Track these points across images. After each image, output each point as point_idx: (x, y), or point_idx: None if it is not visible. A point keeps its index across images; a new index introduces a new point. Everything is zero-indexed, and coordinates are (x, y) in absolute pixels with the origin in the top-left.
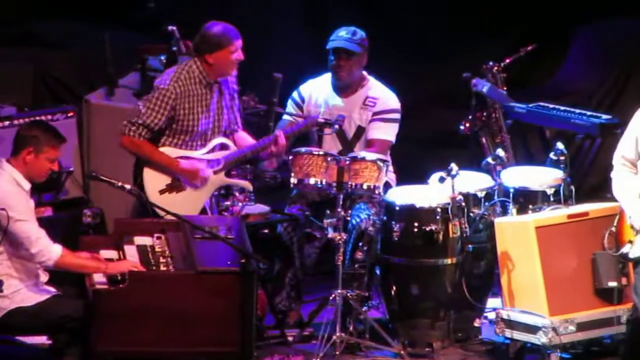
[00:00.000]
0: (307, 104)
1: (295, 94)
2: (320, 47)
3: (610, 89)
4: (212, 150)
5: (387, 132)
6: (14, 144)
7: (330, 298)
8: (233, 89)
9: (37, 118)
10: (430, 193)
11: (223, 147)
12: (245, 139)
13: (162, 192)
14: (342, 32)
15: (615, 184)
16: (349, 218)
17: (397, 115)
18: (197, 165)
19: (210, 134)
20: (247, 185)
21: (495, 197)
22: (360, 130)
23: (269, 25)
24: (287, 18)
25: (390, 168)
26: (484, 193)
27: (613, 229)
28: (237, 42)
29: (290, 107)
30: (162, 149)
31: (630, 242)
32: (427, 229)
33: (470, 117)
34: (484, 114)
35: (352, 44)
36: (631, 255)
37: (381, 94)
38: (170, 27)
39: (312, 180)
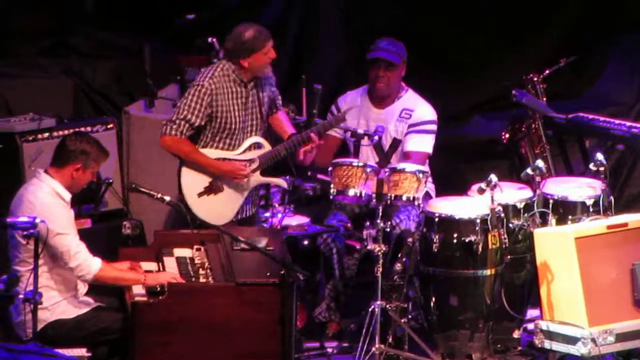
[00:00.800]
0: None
1: (333, 106)
2: (360, 59)
3: None
4: (248, 149)
5: (424, 144)
6: (58, 155)
7: (369, 309)
8: (270, 78)
9: (78, 129)
10: (470, 204)
11: (257, 146)
12: (283, 121)
13: (200, 194)
14: (382, 43)
15: None
16: (388, 229)
17: (434, 127)
18: (237, 165)
19: (249, 131)
20: (282, 183)
21: (535, 208)
22: (396, 142)
23: (310, 37)
24: (328, 29)
25: (430, 179)
26: (523, 204)
27: None
28: (269, 43)
29: (329, 118)
30: (201, 150)
31: None
32: (467, 239)
33: (510, 127)
34: (524, 124)
35: (391, 54)
36: None
37: (417, 105)
38: (210, 39)
39: (351, 192)
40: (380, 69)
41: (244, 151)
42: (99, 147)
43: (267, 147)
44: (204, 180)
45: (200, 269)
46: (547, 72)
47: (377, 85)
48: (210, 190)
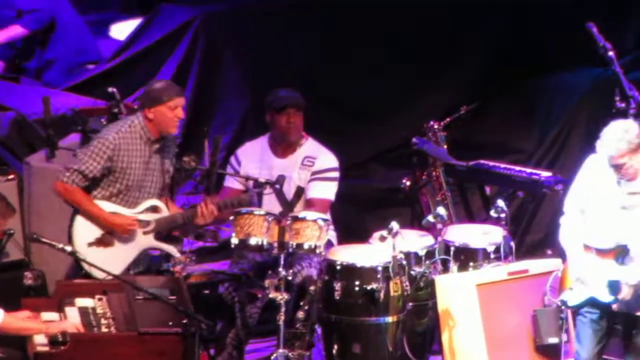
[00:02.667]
0: (244, 166)
1: (232, 157)
2: (260, 109)
3: (550, 146)
4: (146, 210)
5: (327, 191)
6: None
7: (272, 358)
8: (175, 155)
9: None
10: (372, 252)
11: (155, 209)
12: (172, 205)
13: (90, 244)
14: (283, 92)
15: (563, 230)
16: (290, 278)
17: (336, 174)
18: (126, 219)
19: (144, 192)
20: (174, 251)
21: (436, 255)
22: (300, 190)
23: (211, 87)
24: (229, 79)
25: (332, 227)
26: (425, 251)
27: (559, 273)
28: (177, 99)
29: (229, 169)
30: (95, 202)
31: (571, 289)
32: (369, 287)
33: (411, 175)
34: (425, 172)
35: (299, 100)
36: (570, 303)
37: (319, 153)
38: (110, 89)
39: (253, 240)
40: (290, 116)
41: (143, 211)
42: (6, 204)
43: (164, 211)
44: (96, 232)
45: (103, 319)
46: (448, 119)
47: (289, 132)
48: (101, 242)
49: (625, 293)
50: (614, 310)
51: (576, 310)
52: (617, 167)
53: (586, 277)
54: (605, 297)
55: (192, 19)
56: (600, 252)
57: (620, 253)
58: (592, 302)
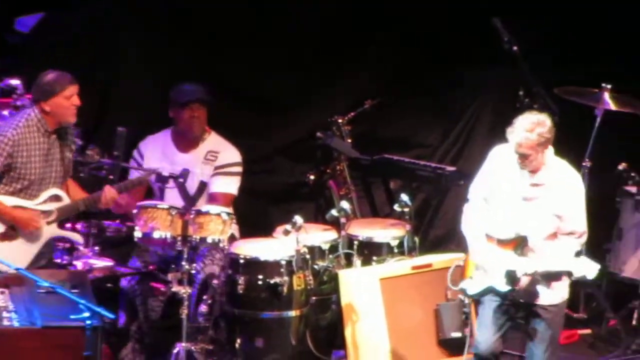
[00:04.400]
0: (147, 160)
1: (135, 151)
2: (164, 103)
3: (455, 141)
4: (47, 201)
5: (230, 185)
6: None
7: (174, 352)
8: (75, 143)
9: None
10: (275, 246)
11: (56, 198)
12: (74, 187)
13: None
14: (187, 86)
15: (465, 218)
16: (193, 272)
17: (239, 169)
18: (30, 215)
19: (46, 183)
20: (78, 237)
21: (340, 249)
22: (203, 185)
23: (116, 81)
24: (133, 72)
25: (234, 220)
26: (328, 245)
27: (461, 263)
28: (71, 87)
29: (132, 163)
30: None
31: (471, 278)
32: (272, 281)
33: (315, 169)
34: (329, 166)
35: (203, 94)
36: (469, 292)
37: (222, 147)
38: (13, 81)
39: (156, 234)
40: (193, 110)
41: (43, 202)
42: None
43: (65, 200)
44: None
45: (4, 312)
46: (352, 114)
47: (192, 127)
48: (4, 236)
49: (523, 283)
50: (514, 300)
51: (477, 299)
52: (522, 157)
53: (485, 265)
54: (503, 286)
55: (94, 9)
56: (501, 242)
57: (520, 244)
58: (491, 291)
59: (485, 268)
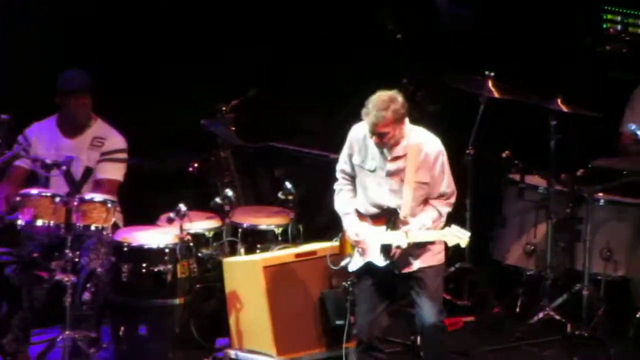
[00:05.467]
0: (33, 147)
1: (21, 137)
2: (53, 88)
3: (338, 128)
4: None
5: (115, 172)
6: None
7: (58, 340)
8: None
9: None
10: (159, 234)
11: None
12: None
13: None
14: (69, 74)
15: (335, 197)
16: (77, 259)
17: (125, 155)
18: None
19: None
20: None
21: (224, 237)
22: (89, 171)
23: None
24: (21, 58)
25: (118, 208)
26: (212, 233)
27: (336, 241)
28: None
29: (16, 148)
30: None
31: (350, 255)
32: (156, 269)
33: (199, 157)
34: (213, 154)
35: (80, 82)
36: (350, 269)
37: (108, 134)
38: None
39: (39, 222)
40: (78, 98)
41: None
42: None
43: None
44: None
45: None
46: (236, 101)
47: (77, 114)
48: None
49: (398, 256)
50: (393, 273)
51: (356, 276)
52: (380, 136)
53: (357, 242)
54: (381, 261)
55: None
56: (373, 219)
57: (391, 218)
58: (371, 267)
59: (359, 245)
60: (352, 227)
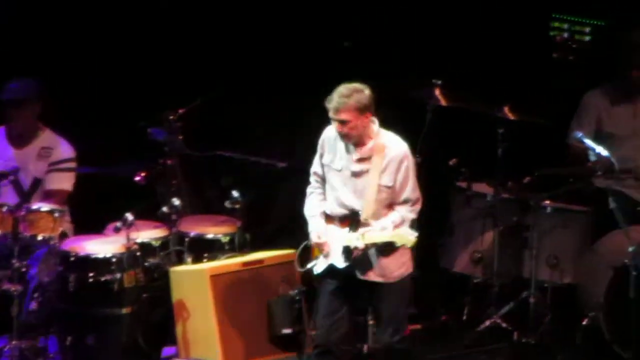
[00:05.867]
0: None
1: None
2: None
3: (286, 137)
4: None
5: (64, 182)
6: None
7: (5, 349)
8: None
9: None
10: (106, 243)
11: None
12: None
13: None
14: (13, 85)
15: (306, 200)
16: (25, 269)
17: (73, 165)
18: None
19: None
20: None
21: (171, 246)
22: (37, 181)
23: None
24: None
25: (67, 218)
26: (159, 242)
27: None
28: None
29: None
30: None
31: (317, 258)
32: (102, 279)
33: (147, 166)
34: (161, 162)
35: (23, 93)
36: (315, 271)
37: (56, 143)
38: None
39: None
40: (21, 109)
41: None
42: None
43: None
44: None
45: None
46: (183, 110)
47: (21, 125)
48: None
49: (358, 259)
50: (357, 279)
51: (319, 280)
52: (342, 124)
53: (320, 245)
54: (341, 263)
55: None
56: (340, 221)
57: (353, 220)
58: (333, 270)
59: (321, 247)
60: (315, 229)
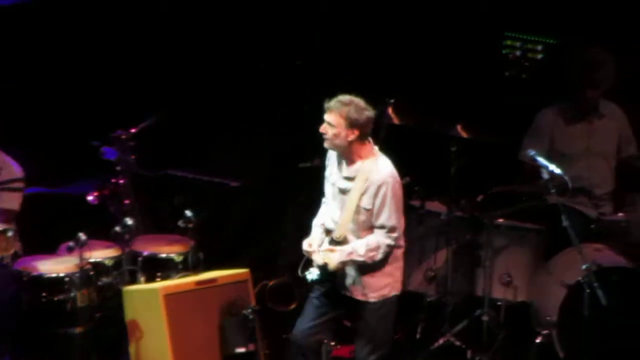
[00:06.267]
0: None
1: None
2: None
3: (241, 157)
4: None
5: (12, 201)
6: None
7: None
8: None
9: None
10: (59, 263)
11: None
12: None
13: None
14: None
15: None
16: None
17: (22, 184)
18: None
19: None
20: None
21: (124, 266)
22: None
23: None
24: None
25: (17, 238)
26: (112, 262)
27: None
28: None
29: None
30: None
31: (313, 267)
32: (55, 298)
33: (99, 185)
34: (114, 182)
35: None
36: (308, 278)
37: (4, 163)
38: None
39: None
40: None
41: None
42: None
43: None
44: None
45: None
46: (136, 129)
47: None
48: None
49: (339, 274)
50: (340, 294)
51: (310, 286)
52: (326, 125)
53: (307, 253)
54: (314, 275)
55: None
56: (327, 234)
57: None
58: (323, 280)
59: (309, 255)
60: (309, 238)
